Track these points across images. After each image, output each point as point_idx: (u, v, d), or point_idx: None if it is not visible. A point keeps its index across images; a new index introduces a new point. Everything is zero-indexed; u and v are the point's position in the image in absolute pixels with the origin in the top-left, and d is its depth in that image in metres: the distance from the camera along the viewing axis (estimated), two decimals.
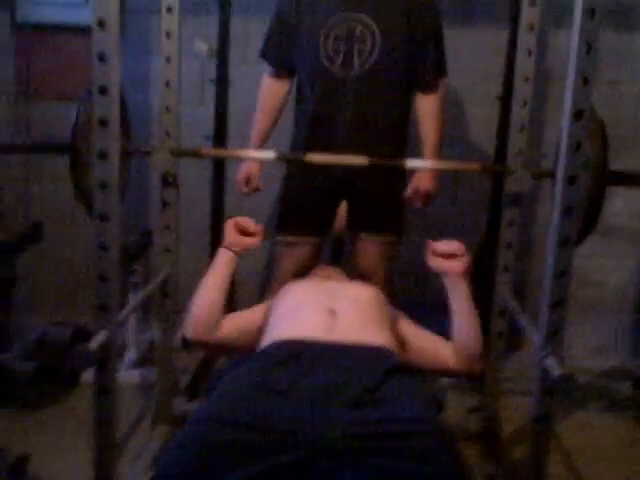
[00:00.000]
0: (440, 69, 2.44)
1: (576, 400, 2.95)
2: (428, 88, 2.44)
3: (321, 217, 2.47)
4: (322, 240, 2.50)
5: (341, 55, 2.29)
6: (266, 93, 2.54)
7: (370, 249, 2.47)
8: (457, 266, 1.88)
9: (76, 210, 3.20)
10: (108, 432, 1.82)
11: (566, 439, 2.62)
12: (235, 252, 1.99)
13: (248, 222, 2.00)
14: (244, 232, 2.00)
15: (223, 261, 1.98)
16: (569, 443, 2.60)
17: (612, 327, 3.48)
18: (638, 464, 2.55)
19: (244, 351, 1.86)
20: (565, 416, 2.83)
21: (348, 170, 2.28)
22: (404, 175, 2.50)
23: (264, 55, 2.51)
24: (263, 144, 2.54)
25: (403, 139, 2.47)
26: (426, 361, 1.87)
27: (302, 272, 2.38)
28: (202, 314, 1.90)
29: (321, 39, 2.29)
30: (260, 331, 1.86)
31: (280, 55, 2.46)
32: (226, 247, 2.00)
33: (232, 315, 1.95)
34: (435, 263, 1.90)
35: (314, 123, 2.39)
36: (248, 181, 2.58)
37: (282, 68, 2.49)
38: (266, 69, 2.54)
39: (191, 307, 1.92)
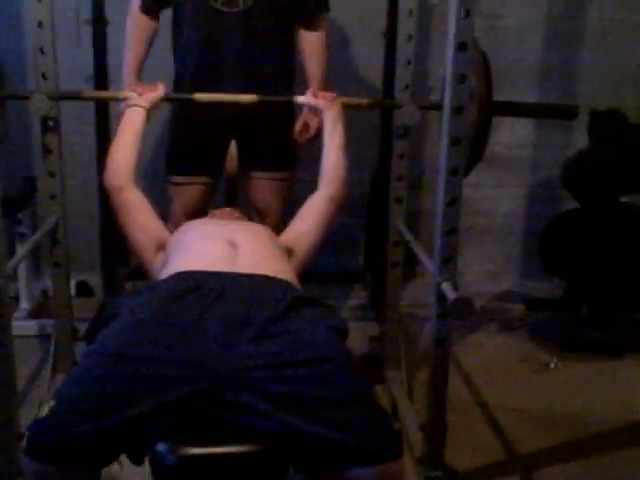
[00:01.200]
0: (322, 5, 2.44)
1: (472, 323, 3.11)
2: (311, 24, 2.43)
3: (211, 156, 2.43)
4: (214, 181, 2.47)
5: None
6: (137, 27, 2.42)
7: (262, 187, 2.46)
8: (335, 103, 2.12)
9: None
10: (7, 384, 1.79)
11: (464, 360, 2.76)
12: (143, 106, 2.03)
13: (147, 87, 2.09)
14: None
15: (132, 115, 2.03)
16: (467, 364, 2.74)
17: (502, 253, 3.64)
18: (532, 378, 2.72)
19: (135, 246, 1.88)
20: (462, 339, 2.97)
21: (236, 108, 2.24)
22: (293, 111, 2.49)
23: None
24: (138, 78, 2.43)
25: (291, 74, 2.46)
26: (315, 228, 1.93)
27: (196, 213, 2.35)
28: (118, 159, 1.94)
29: None
30: (151, 243, 1.85)
31: None
32: (131, 105, 2.05)
33: (144, 198, 1.93)
34: (315, 100, 2.15)
35: (199, 60, 2.33)
36: None
37: (153, 3, 2.39)
38: (133, 2, 2.41)
39: (107, 160, 1.95)
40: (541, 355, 2.89)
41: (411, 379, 2.50)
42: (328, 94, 2.17)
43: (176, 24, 2.40)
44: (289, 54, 2.44)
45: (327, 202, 1.97)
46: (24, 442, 1.25)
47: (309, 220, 1.95)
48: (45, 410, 1.25)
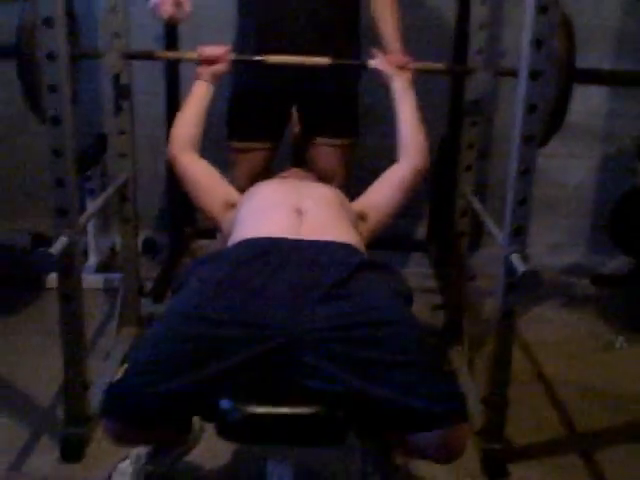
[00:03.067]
0: None
1: (536, 296, 3.04)
2: None
3: (272, 121, 2.40)
4: (276, 145, 2.43)
5: None
6: None
7: (327, 153, 2.41)
8: (405, 72, 2.08)
9: (26, 116, 3.09)
10: (75, 335, 1.83)
11: (528, 335, 2.72)
12: (207, 80, 2.06)
13: (213, 49, 2.08)
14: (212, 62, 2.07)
15: (197, 89, 2.06)
16: (531, 339, 2.70)
17: (571, 225, 3.54)
18: (596, 357, 2.66)
19: (201, 207, 1.94)
20: (526, 312, 2.92)
21: (299, 72, 2.20)
22: (358, 77, 2.41)
23: None
24: None
25: (357, 38, 2.38)
26: (394, 197, 1.93)
27: (258, 177, 2.32)
28: (181, 131, 1.99)
29: None
30: (219, 205, 1.89)
31: None
32: (198, 78, 2.07)
33: (206, 163, 1.98)
34: (387, 67, 2.09)
35: (265, 27, 2.27)
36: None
37: None
38: None
39: (171, 131, 2.01)
40: (607, 333, 2.82)
41: (473, 351, 2.47)
42: (403, 58, 2.12)
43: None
44: (357, 15, 2.36)
45: (413, 173, 1.95)
46: (101, 404, 1.30)
47: (390, 188, 1.94)
48: (120, 373, 1.28)
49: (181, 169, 1.95)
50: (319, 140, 2.40)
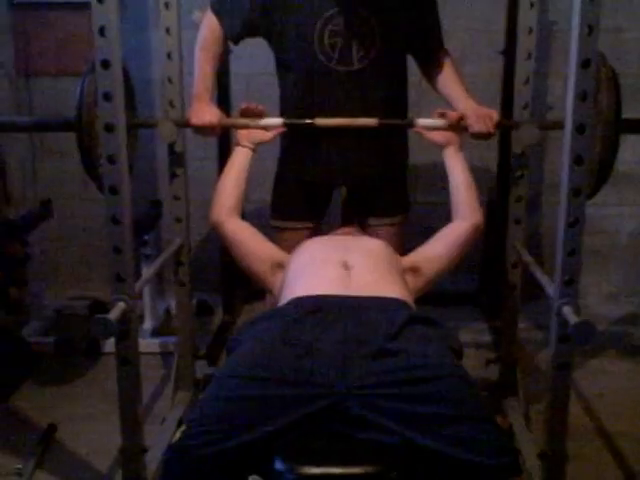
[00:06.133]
0: (440, 40, 2.29)
1: (593, 348, 2.98)
2: (437, 57, 2.27)
3: (317, 204, 2.35)
4: (318, 224, 2.35)
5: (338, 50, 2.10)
6: (208, 33, 2.19)
7: (380, 234, 2.26)
8: (455, 138, 2.09)
9: (83, 185, 3.21)
10: (133, 400, 1.85)
11: (585, 387, 2.65)
12: (248, 147, 2.09)
13: (252, 105, 2.09)
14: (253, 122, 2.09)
15: (237, 155, 2.10)
16: (588, 391, 2.64)
17: (625, 274, 3.48)
18: None
19: (247, 271, 1.97)
20: (583, 364, 2.86)
21: (345, 156, 2.19)
22: (406, 148, 2.36)
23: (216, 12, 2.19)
24: (210, 94, 2.21)
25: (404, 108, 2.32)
26: (449, 253, 1.94)
27: None
28: (221, 197, 2.02)
29: (316, 33, 2.07)
30: (266, 267, 1.91)
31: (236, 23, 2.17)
32: (238, 144, 2.11)
33: (250, 226, 2.01)
34: (436, 138, 2.10)
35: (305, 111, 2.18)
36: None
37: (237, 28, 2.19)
38: (209, 13, 2.21)
39: (213, 198, 2.03)
40: None
41: (529, 405, 2.42)
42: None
43: (279, 67, 2.25)
44: (402, 93, 2.30)
45: (469, 230, 1.97)
46: (163, 466, 1.32)
47: (445, 244, 1.96)
48: (178, 435, 1.31)
49: (226, 234, 1.98)
50: (372, 221, 2.33)
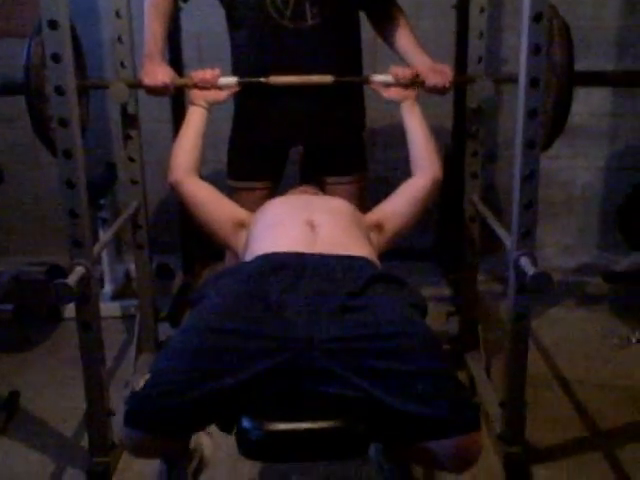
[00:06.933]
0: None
1: (549, 298, 3.06)
2: (391, 14, 2.24)
3: (274, 163, 2.31)
4: (276, 184, 2.32)
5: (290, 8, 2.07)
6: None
7: (339, 192, 2.24)
8: (411, 93, 2.09)
9: (35, 149, 3.15)
10: (96, 364, 1.86)
11: (542, 336, 2.73)
12: (202, 106, 2.06)
13: (203, 73, 2.05)
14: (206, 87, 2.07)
15: (192, 115, 2.06)
16: (546, 339, 2.71)
17: (580, 225, 3.55)
18: (613, 353, 2.67)
19: (206, 229, 1.94)
20: (540, 314, 2.93)
21: (299, 115, 2.16)
22: (362, 104, 2.33)
23: None
24: (162, 53, 2.15)
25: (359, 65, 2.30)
26: (411, 209, 1.94)
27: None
28: (178, 158, 1.98)
29: None
30: (227, 226, 1.89)
31: None
32: (192, 103, 2.07)
33: (210, 186, 1.97)
34: (391, 95, 2.10)
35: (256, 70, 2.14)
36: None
37: None
38: None
39: (170, 158, 1.99)
40: (622, 330, 2.82)
41: (489, 355, 2.48)
42: (409, 71, 2.08)
43: (230, 25, 2.22)
44: (356, 51, 2.27)
45: (429, 184, 1.97)
46: (124, 414, 1.31)
47: (406, 200, 1.96)
48: (141, 383, 1.31)
49: (185, 195, 1.94)
50: (329, 179, 2.30)
